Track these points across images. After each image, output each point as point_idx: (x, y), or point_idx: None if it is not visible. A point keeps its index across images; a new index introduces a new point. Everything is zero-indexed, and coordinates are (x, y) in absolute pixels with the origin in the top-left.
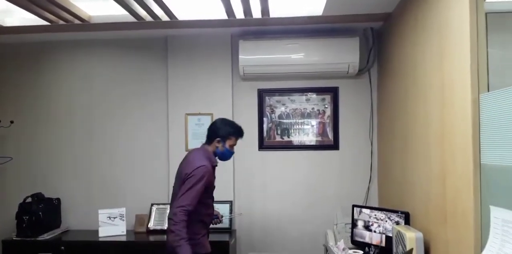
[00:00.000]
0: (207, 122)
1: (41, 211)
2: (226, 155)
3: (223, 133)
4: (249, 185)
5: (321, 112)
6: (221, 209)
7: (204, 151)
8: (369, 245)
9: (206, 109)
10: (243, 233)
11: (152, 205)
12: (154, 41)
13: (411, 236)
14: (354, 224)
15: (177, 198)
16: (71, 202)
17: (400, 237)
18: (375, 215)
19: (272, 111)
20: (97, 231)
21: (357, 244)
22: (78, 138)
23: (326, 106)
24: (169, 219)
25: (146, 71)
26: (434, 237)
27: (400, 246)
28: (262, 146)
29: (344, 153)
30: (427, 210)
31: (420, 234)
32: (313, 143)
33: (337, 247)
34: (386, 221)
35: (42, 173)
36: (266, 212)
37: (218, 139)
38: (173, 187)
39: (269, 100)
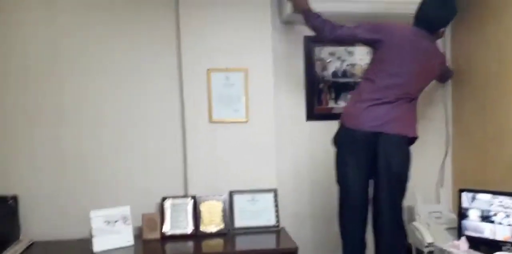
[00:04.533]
0: (239, 81)
1: None
2: None
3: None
4: (295, 168)
5: None
6: (262, 201)
7: None
8: (488, 242)
9: (236, 63)
10: (292, 230)
11: (164, 199)
12: None
13: None
14: (463, 215)
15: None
16: (35, 201)
17: None
18: (501, 202)
19: (324, 68)
20: (82, 243)
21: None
22: (46, 105)
23: None
24: None
25: (146, 8)
26: None
27: None
28: (311, 114)
29: None
30: None
31: None
32: None
33: (455, 247)
34: None
35: None
36: (317, 202)
37: (443, 29)
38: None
39: (319, 52)
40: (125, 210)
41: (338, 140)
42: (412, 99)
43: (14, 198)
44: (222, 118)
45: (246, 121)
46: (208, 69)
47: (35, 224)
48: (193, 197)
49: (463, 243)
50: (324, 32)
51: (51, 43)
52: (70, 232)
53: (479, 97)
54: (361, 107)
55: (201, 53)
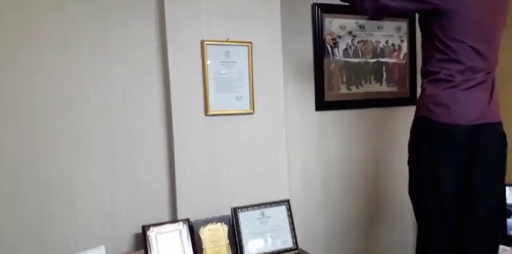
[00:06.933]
0: (242, 59)
1: None
2: None
3: None
4: (306, 172)
5: (396, 48)
6: (274, 217)
7: None
8: None
9: (239, 35)
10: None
11: (145, 228)
12: None
13: None
14: (508, 212)
15: None
16: None
17: None
18: None
19: (335, 44)
20: None
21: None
22: None
23: (402, 39)
24: None
25: None
26: None
27: None
28: (321, 103)
29: None
30: None
31: None
32: (387, 96)
33: None
34: None
35: None
36: (332, 214)
37: None
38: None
39: (330, 24)
40: (99, 251)
41: (425, 141)
42: (493, 73)
43: None
44: (222, 110)
45: (252, 113)
46: (202, 41)
47: None
48: (187, 221)
49: None
50: (362, 3)
51: None
52: None
53: None
54: (453, 94)
55: (191, 20)
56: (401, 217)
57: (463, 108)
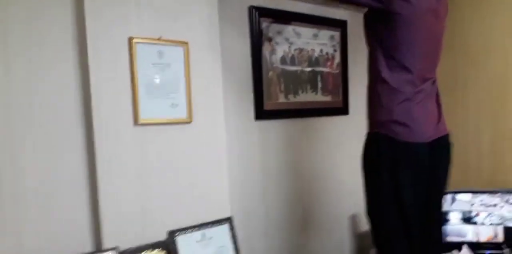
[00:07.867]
0: (177, 61)
1: None
2: None
3: None
4: (246, 184)
5: (330, 57)
6: (216, 238)
7: None
8: (474, 244)
9: (174, 34)
10: None
11: None
12: None
13: None
14: (444, 219)
15: None
16: None
17: None
18: (481, 200)
19: (273, 51)
20: None
21: (451, 247)
22: None
23: (335, 49)
24: None
25: None
26: None
27: None
28: (261, 112)
29: (355, 119)
30: None
31: None
32: (322, 106)
33: None
34: (502, 207)
35: None
36: (273, 225)
37: None
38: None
39: (267, 28)
40: None
41: (386, 159)
42: (436, 82)
43: None
44: (154, 118)
45: (189, 122)
46: (129, 38)
47: None
48: (116, 251)
49: (466, 253)
50: None
51: None
52: None
53: None
54: (409, 109)
55: (118, 12)
56: (339, 224)
57: (421, 126)
